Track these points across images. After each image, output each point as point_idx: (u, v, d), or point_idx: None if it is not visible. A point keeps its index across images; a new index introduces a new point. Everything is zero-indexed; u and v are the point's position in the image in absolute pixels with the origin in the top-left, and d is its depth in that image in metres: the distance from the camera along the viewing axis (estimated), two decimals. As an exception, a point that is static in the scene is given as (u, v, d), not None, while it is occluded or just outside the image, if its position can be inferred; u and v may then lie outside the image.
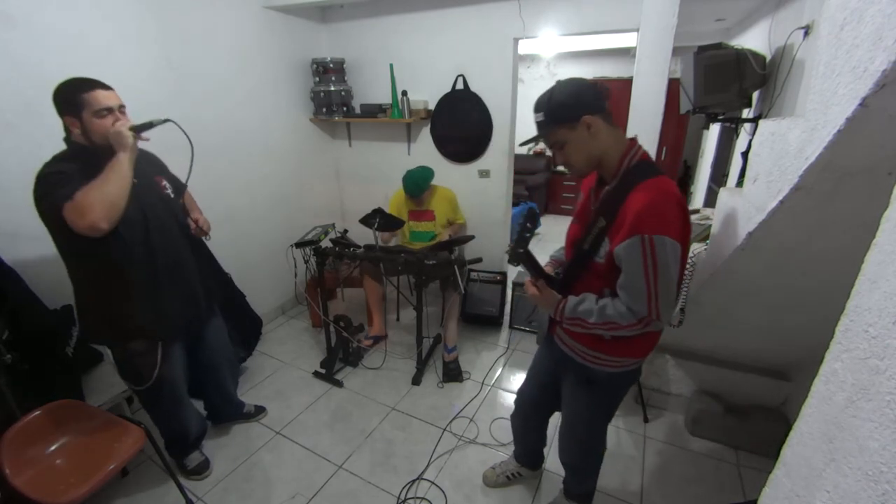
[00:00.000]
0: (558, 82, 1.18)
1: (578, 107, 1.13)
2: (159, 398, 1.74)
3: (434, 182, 2.90)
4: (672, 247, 1.06)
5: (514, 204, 3.69)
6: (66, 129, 1.40)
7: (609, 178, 1.19)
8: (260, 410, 2.29)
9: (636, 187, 1.09)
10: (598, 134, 1.14)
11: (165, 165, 1.72)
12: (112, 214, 1.30)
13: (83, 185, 1.30)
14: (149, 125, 1.43)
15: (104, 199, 1.28)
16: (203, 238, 1.77)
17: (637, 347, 1.27)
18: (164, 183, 1.64)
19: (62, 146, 1.43)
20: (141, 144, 1.44)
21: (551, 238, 5.32)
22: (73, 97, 1.34)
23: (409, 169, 2.79)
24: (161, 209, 1.57)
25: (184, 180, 1.61)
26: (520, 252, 1.24)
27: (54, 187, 1.30)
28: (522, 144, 1.35)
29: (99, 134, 1.36)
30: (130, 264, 1.47)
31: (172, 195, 1.65)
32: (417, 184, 2.71)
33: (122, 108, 1.42)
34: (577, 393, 1.44)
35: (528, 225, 1.24)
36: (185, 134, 1.48)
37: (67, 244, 1.43)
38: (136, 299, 1.51)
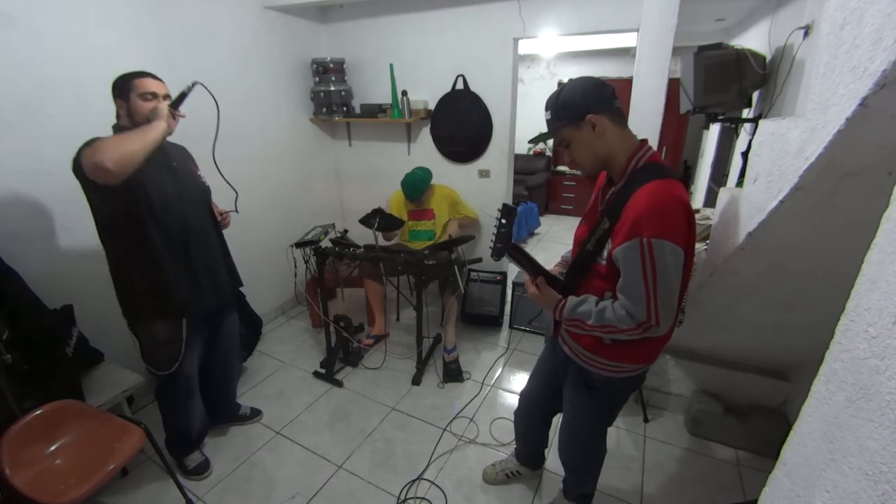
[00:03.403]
0: (569, 80, 1.18)
1: (583, 106, 1.12)
2: (173, 388, 1.78)
3: (433, 181, 2.90)
4: (673, 251, 1.05)
5: (515, 204, 3.68)
6: (117, 114, 1.51)
7: (616, 178, 1.19)
8: (256, 413, 2.29)
9: (640, 188, 1.08)
10: (603, 133, 1.13)
11: (195, 162, 1.79)
12: (122, 161, 1.29)
13: None
14: (182, 96, 1.51)
15: (120, 145, 1.32)
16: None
17: (637, 353, 1.26)
18: (200, 172, 1.74)
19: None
20: (181, 122, 1.52)
21: (550, 238, 5.32)
22: (124, 83, 1.48)
23: (406, 173, 2.78)
24: (195, 193, 1.67)
25: (211, 142, 1.68)
26: (499, 247, 1.23)
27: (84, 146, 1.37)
28: (531, 141, 1.35)
29: (141, 114, 1.46)
30: (165, 239, 1.54)
31: (207, 185, 1.76)
32: (416, 186, 2.71)
33: (166, 96, 1.52)
34: (577, 396, 1.43)
35: (503, 220, 1.22)
36: (211, 94, 1.56)
37: (104, 216, 1.50)
38: (168, 273, 1.57)
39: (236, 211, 1.86)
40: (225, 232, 1.88)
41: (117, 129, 1.50)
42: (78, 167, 1.35)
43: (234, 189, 1.77)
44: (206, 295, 1.70)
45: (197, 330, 1.75)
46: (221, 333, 1.93)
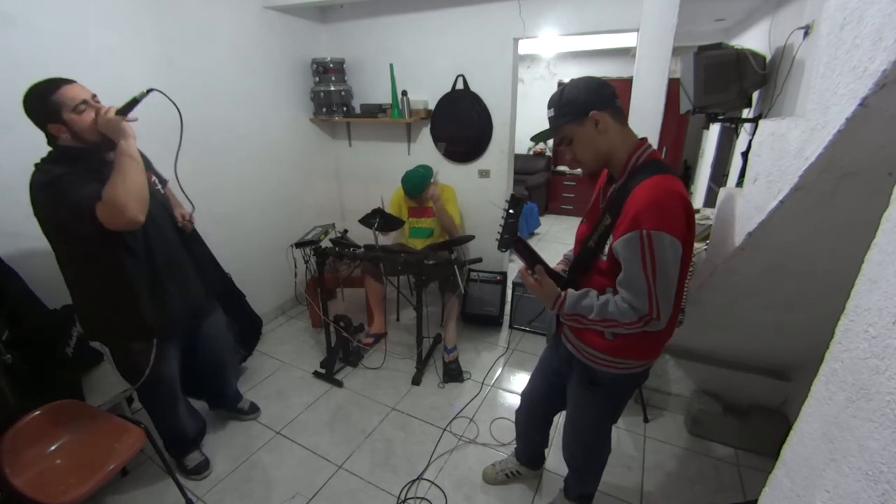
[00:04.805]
0: (571, 80, 1.20)
1: (587, 103, 1.14)
2: (155, 395, 1.75)
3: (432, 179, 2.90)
4: (672, 244, 1.06)
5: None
6: (50, 137, 1.35)
7: (617, 175, 1.20)
8: (254, 409, 2.29)
9: (640, 184, 1.09)
10: (606, 131, 1.15)
11: (150, 160, 1.68)
12: (145, 204, 1.31)
13: (94, 182, 1.29)
14: (133, 102, 1.38)
15: (133, 190, 1.28)
16: (195, 231, 1.78)
17: (641, 349, 1.26)
18: (154, 179, 1.62)
19: None
20: (151, 127, 1.43)
21: (551, 238, 5.32)
22: (44, 104, 1.29)
23: (407, 170, 2.79)
24: (154, 206, 1.54)
25: (175, 152, 1.54)
26: (507, 238, 1.23)
27: (72, 189, 1.27)
28: (533, 139, 1.36)
29: (87, 129, 1.32)
30: (133, 264, 1.47)
31: (162, 190, 1.67)
32: (416, 184, 2.71)
33: (94, 97, 1.37)
34: (580, 394, 1.43)
35: (511, 211, 1.23)
36: (173, 102, 1.45)
37: (70, 250, 1.43)
38: (140, 299, 1.51)
39: (192, 224, 1.77)
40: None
41: (61, 150, 1.36)
42: (59, 207, 1.26)
43: (191, 203, 1.70)
44: (178, 310, 1.63)
45: (171, 339, 1.69)
46: (205, 334, 1.88)
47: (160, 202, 1.61)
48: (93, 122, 1.33)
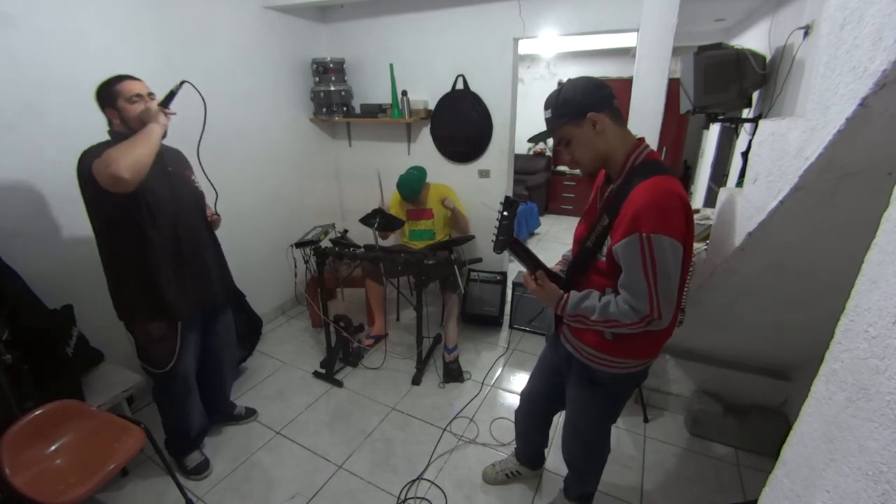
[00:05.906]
0: (568, 80, 1.19)
1: (584, 104, 1.13)
2: (171, 387, 1.79)
3: (432, 181, 2.90)
4: (671, 246, 1.06)
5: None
6: (109, 122, 1.54)
7: (615, 176, 1.20)
8: (251, 413, 2.28)
9: (639, 185, 1.09)
10: (604, 132, 1.15)
11: (188, 161, 1.81)
12: (135, 168, 1.34)
13: None
14: (171, 95, 1.55)
15: (129, 153, 1.35)
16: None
17: (640, 349, 1.26)
18: (194, 177, 1.77)
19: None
20: (172, 119, 1.56)
21: (550, 238, 5.32)
22: (108, 91, 1.50)
23: (401, 174, 2.78)
24: (188, 198, 1.69)
25: (197, 140, 1.71)
26: (502, 240, 1.23)
27: (92, 155, 1.40)
28: (531, 140, 1.36)
29: (134, 118, 1.49)
30: (159, 246, 1.56)
31: (201, 190, 1.78)
32: (411, 187, 2.71)
33: (150, 94, 1.55)
34: (580, 393, 1.43)
35: (505, 213, 1.24)
36: (199, 92, 1.60)
37: (103, 229, 1.54)
38: (161, 276, 1.59)
39: (216, 214, 1.86)
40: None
41: (113, 135, 1.52)
42: (89, 179, 1.37)
43: (215, 190, 1.78)
44: (197, 297, 1.72)
45: (192, 327, 1.76)
46: (216, 331, 1.93)
47: (195, 196, 1.74)
48: (140, 112, 1.49)
